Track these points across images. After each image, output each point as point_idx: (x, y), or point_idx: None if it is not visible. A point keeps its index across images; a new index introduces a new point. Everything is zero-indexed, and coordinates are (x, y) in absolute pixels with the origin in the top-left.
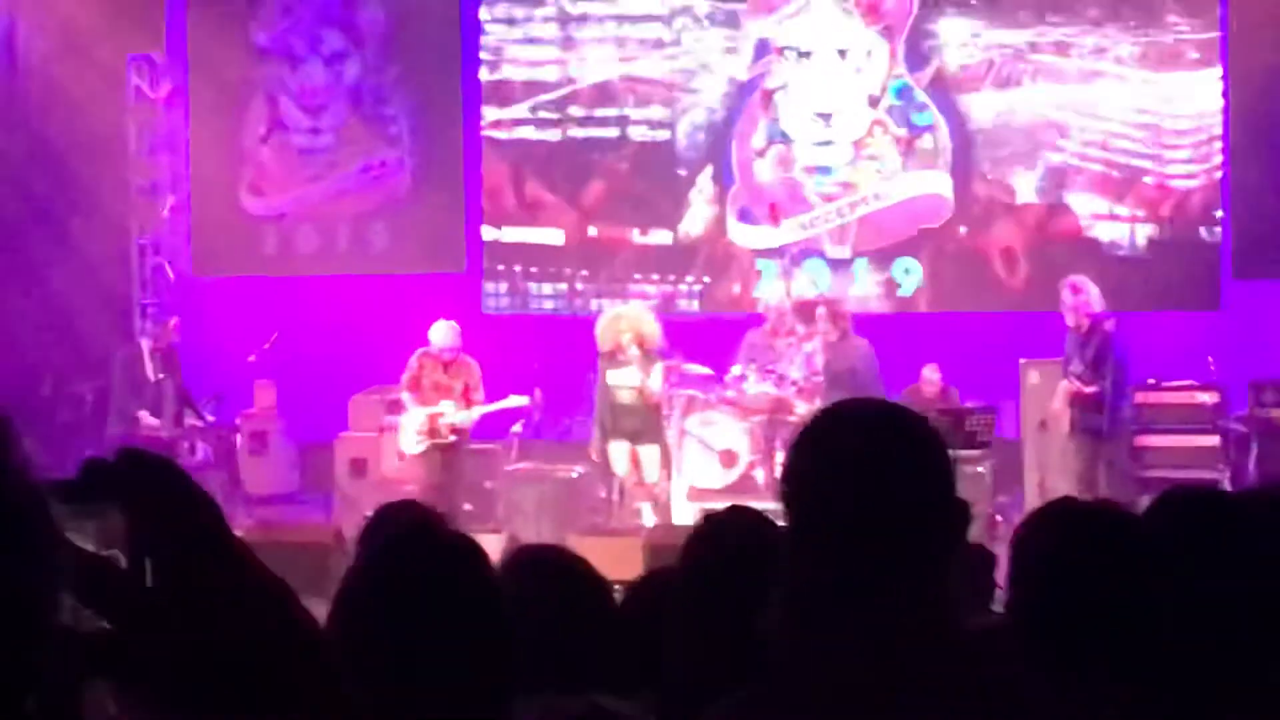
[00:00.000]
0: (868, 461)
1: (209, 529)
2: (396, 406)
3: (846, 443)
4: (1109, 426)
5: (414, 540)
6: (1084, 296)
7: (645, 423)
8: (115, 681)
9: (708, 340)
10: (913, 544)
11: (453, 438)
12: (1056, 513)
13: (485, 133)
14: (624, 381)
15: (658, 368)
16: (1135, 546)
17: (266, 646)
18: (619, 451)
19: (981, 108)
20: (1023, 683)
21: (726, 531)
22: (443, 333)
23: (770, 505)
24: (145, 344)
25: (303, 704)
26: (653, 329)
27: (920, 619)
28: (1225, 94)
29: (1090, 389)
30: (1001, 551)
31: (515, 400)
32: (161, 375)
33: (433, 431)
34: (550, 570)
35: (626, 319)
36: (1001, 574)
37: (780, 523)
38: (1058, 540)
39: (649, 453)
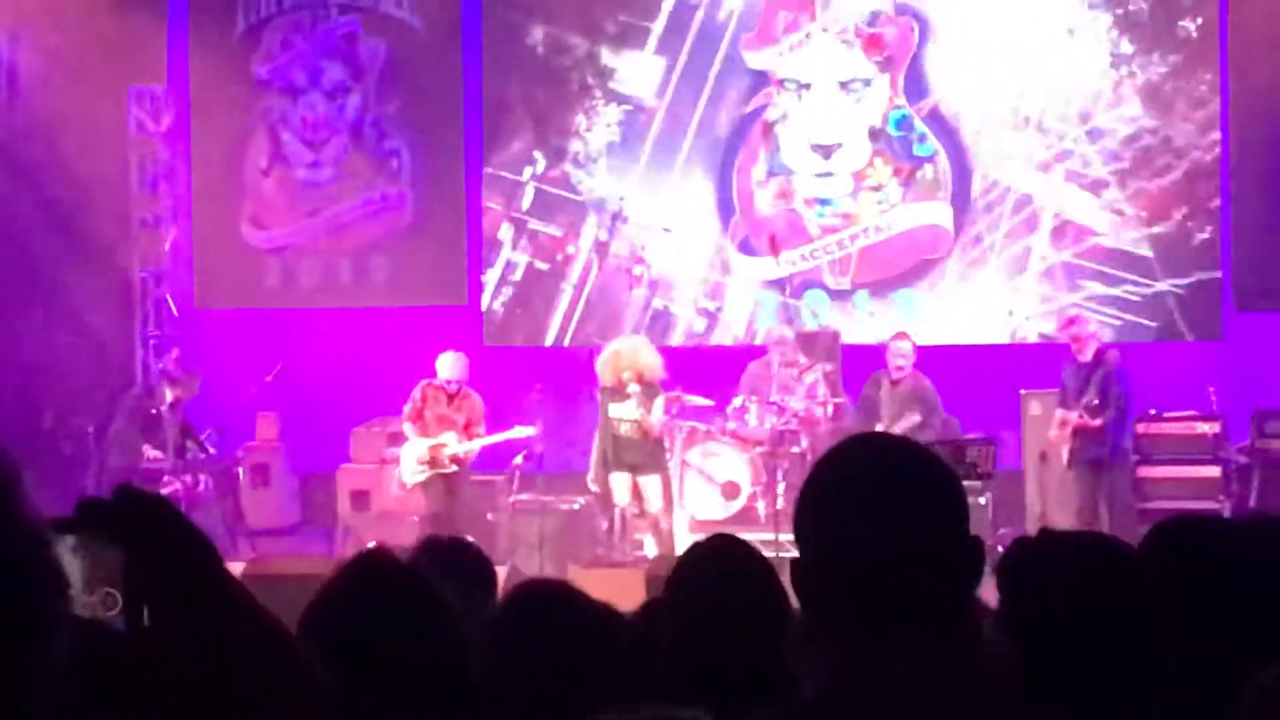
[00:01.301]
0: (882, 497)
1: (204, 567)
2: (398, 438)
3: (857, 477)
4: (1110, 458)
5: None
6: (1092, 327)
7: (646, 455)
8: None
9: (709, 372)
10: (928, 582)
11: (454, 467)
12: (1037, 544)
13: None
14: (624, 415)
15: (659, 401)
16: (1120, 577)
17: (262, 684)
18: (620, 482)
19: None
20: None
21: (710, 561)
22: (450, 364)
23: (771, 536)
24: (169, 394)
25: None
26: (652, 362)
27: (939, 655)
28: (1224, 126)
29: (1096, 421)
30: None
31: (521, 431)
32: (164, 407)
33: (434, 461)
34: (553, 603)
35: (625, 355)
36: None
37: (776, 554)
38: (1039, 572)
39: (650, 483)
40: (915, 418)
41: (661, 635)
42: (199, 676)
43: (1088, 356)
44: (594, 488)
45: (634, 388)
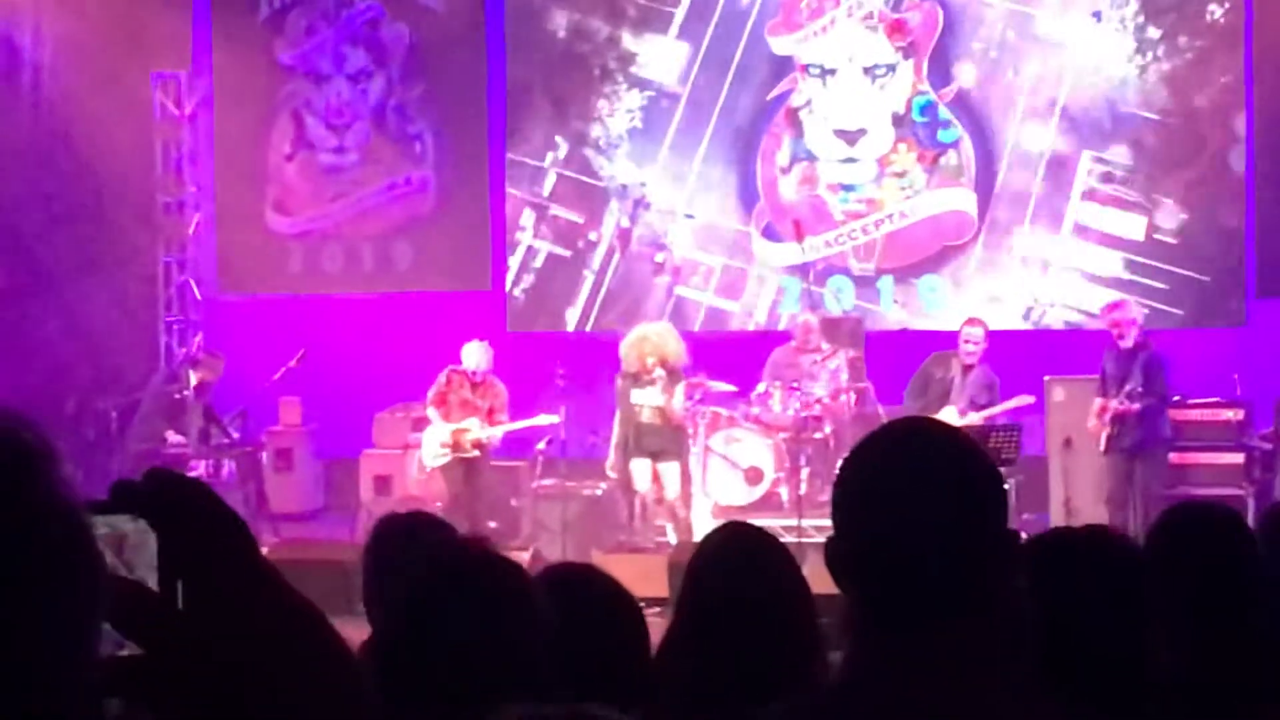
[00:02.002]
0: (915, 483)
1: (239, 550)
2: (421, 424)
3: (896, 464)
4: (1148, 445)
5: (460, 559)
6: (1134, 313)
7: (667, 441)
8: (145, 705)
9: (732, 358)
10: (964, 569)
11: (475, 452)
12: (1047, 542)
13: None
14: (647, 400)
15: (680, 387)
16: (1125, 577)
17: (298, 670)
18: (641, 469)
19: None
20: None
21: (724, 547)
22: (475, 353)
23: (794, 522)
24: (194, 377)
25: None
26: (677, 348)
27: (970, 642)
28: (1249, 112)
29: (1136, 406)
30: None
31: (544, 419)
32: (188, 392)
33: (456, 445)
34: (580, 588)
35: (651, 340)
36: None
37: (798, 539)
38: (1045, 570)
39: (670, 469)
40: (1003, 405)
41: (678, 625)
42: (232, 658)
43: (1129, 343)
44: (613, 474)
45: (658, 373)
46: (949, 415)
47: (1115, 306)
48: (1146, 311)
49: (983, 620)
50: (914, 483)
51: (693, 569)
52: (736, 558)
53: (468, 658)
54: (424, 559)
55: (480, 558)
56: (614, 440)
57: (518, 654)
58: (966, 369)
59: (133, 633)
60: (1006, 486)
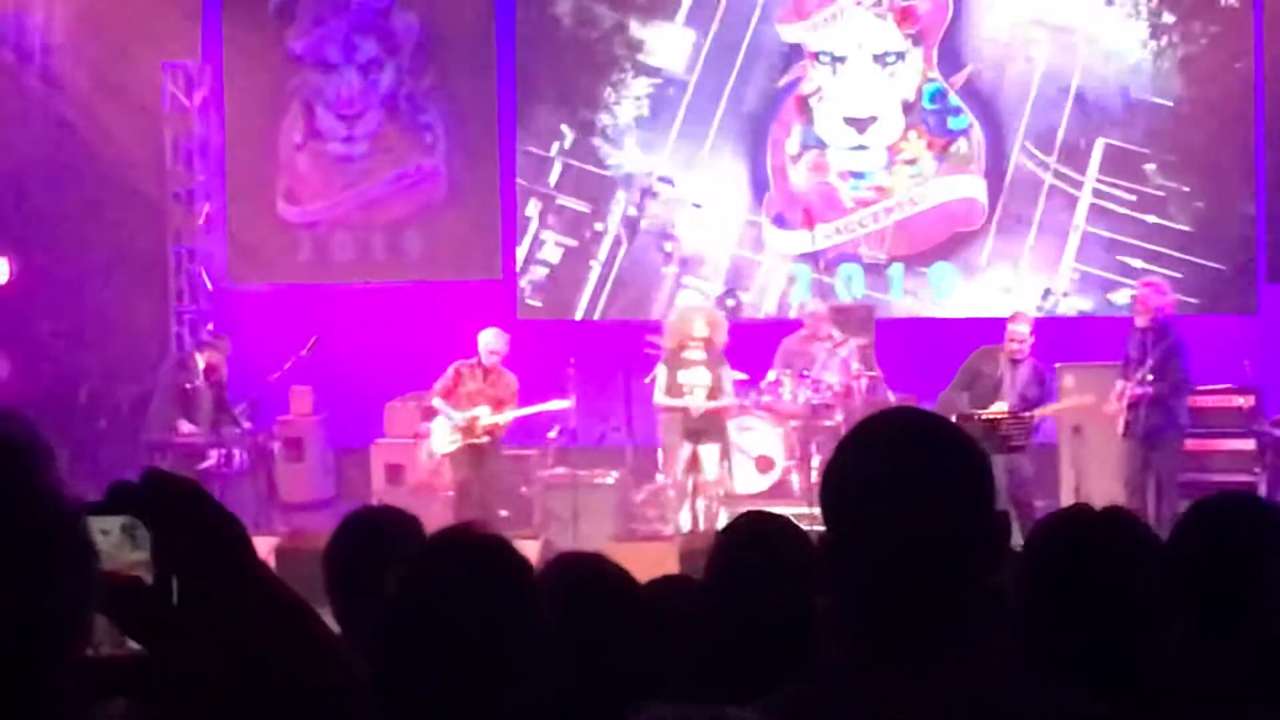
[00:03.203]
0: (903, 472)
1: (234, 549)
2: (432, 413)
3: (883, 453)
4: (1170, 429)
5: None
6: (1167, 298)
7: (710, 422)
8: (140, 701)
9: (743, 346)
10: (952, 557)
11: (486, 439)
12: (1065, 520)
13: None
14: (695, 381)
15: (726, 369)
16: (1142, 557)
17: (287, 666)
18: (683, 454)
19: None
20: (1048, 694)
21: (746, 537)
22: (494, 337)
23: (805, 510)
24: (201, 360)
25: None
26: (723, 327)
27: (959, 630)
28: (1259, 98)
29: (1148, 390)
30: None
31: (556, 404)
32: (200, 382)
33: (468, 430)
34: (590, 577)
35: (698, 319)
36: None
37: (810, 527)
38: (1063, 549)
39: (710, 452)
40: (1054, 406)
41: (703, 614)
42: (227, 654)
43: (1142, 322)
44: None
45: (698, 354)
46: (997, 411)
47: (1145, 284)
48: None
49: (972, 606)
50: (900, 472)
51: (723, 558)
52: (762, 547)
53: (464, 648)
54: (415, 551)
55: (477, 545)
56: (666, 426)
57: (517, 642)
58: (1014, 363)
59: (129, 626)
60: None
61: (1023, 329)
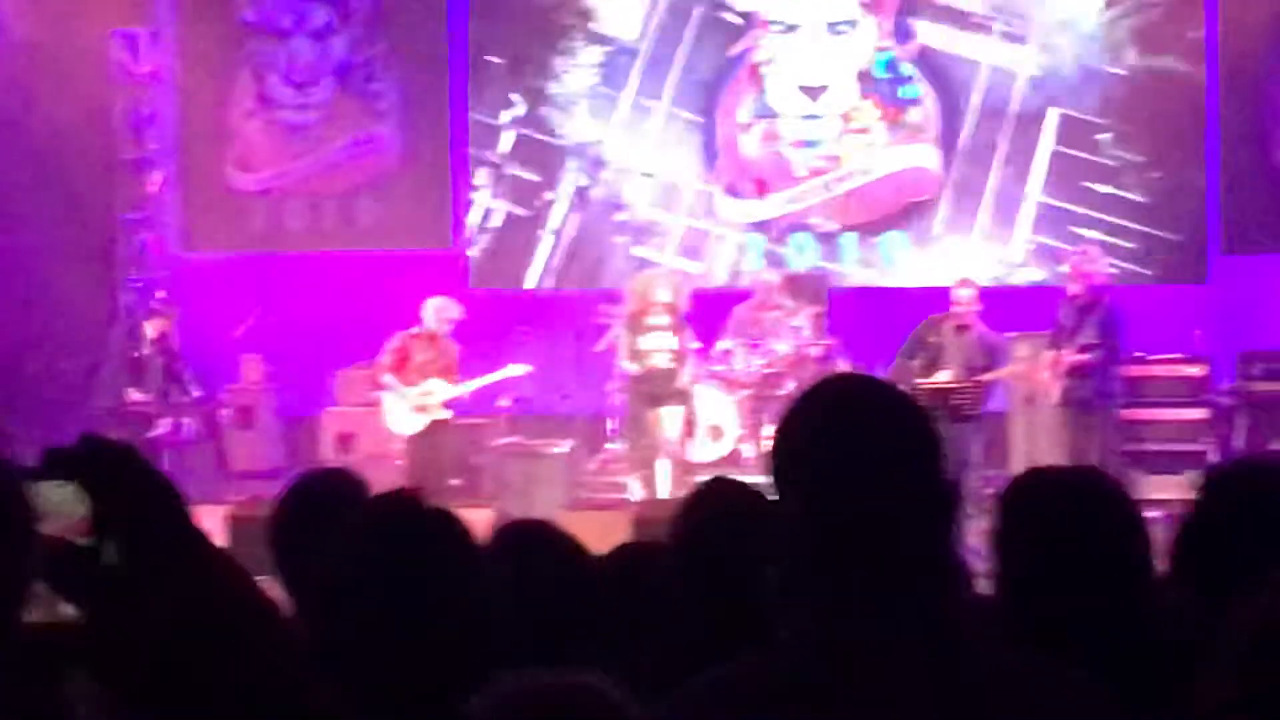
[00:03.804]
0: (852, 439)
1: (168, 512)
2: (379, 384)
3: (832, 420)
4: (1102, 398)
5: (401, 519)
6: (1098, 265)
7: (671, 386)
8: (87, 669)
9: (694, 315)
10: (903, 525)
11: (448, 414)
12: (1034, 481)
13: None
14: (658, 345)
15: (688, 333)
16: (1115, 513)
17: (231, 627)
18: (651, 419)
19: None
20: (1007, 661)
21: (712, 503)
22: (448, 304)
23: (758, 479)
24: (150, 329)
25: (263, 683)
26: (675, 296)
27: (912, 598)
28: (1212, 69)
29: (1086, 358)
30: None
31: (514, 369)
32: (150, 350)
33: (426, 407)
34: (537, 544)
35: (656, 284)
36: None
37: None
38: (1036, 508)
39: (672, 414)
40: (1003, 371)
41: (663, 579)
42: (167, 617)
43: (1076, 288)
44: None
45: (663, 319)
46: (942, 380)
47: (1076, 252)
48: (1116, 271)
49: (925, 574)
50: (849, 439)
51: (686, 523)
52: (730, 512)
53: (404, 613)
54: (355, 518)
55: (416, 512)
56: (622, 389)
57: (464, 611)
58: (959, 329)
59: (64, 589)
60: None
61: (965, 292)
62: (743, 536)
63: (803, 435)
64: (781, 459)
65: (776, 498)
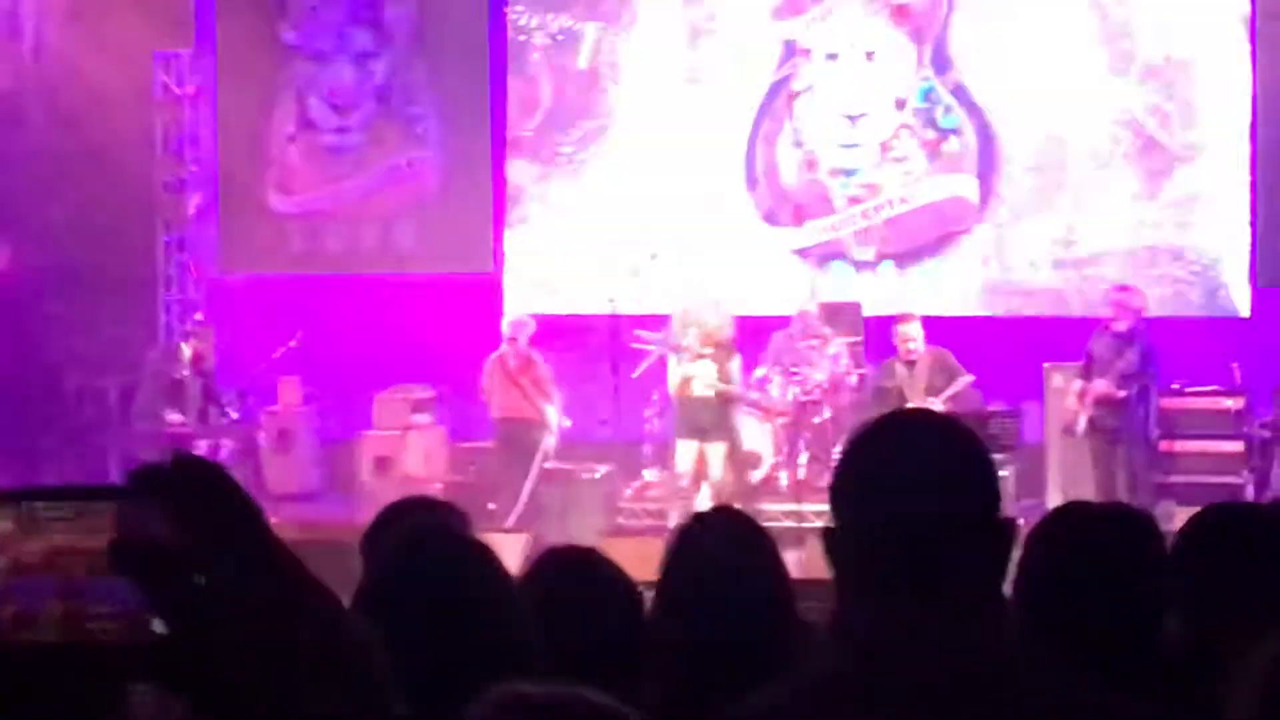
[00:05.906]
0: (916, 473)
1: (261, 533)
2: (421, 405)
3: (898, 453)
4: (1131, 430)
5: (427, 545)
6: (1141, 300)
7: (717, 418)
8: (166, 687)
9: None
10: (963, 559)
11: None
12: (1066, 514)
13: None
14: (699, 374)
15: (735, 362)
16: (1144, 549)
17: (315, 656)
18: (686, 450)
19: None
20: (1060, 685)
21: (706, 534)
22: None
23: (793, 507)
24: (187, 350)
25: (350, 713)
26: (717, 322)
27: (967, 625)
28: (1253, 98)
29: (1121, 393)
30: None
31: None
32: (187, 372)
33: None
34: (579, 572)
35: (690, 314)
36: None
37: (799, 524)
38: (1066, 542)
39: (715, 450)
40: (964, 378)
41: (654, 607)
42: (255, 639)
43: (1122, 327)
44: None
45: (704, 349)
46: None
47: (1122, 289)
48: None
49: (978, 606)
50: (911, 472)
51: (678, 553)
52: (715, 544)
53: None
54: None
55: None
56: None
57: (492, 633)
58: (908, 365)
59: (159, 604)
60: (1005, 473)
61: (911, 328)
62: (732, 566)
63: (865, 467)
64: (843, 489)
65: (835, 521)
